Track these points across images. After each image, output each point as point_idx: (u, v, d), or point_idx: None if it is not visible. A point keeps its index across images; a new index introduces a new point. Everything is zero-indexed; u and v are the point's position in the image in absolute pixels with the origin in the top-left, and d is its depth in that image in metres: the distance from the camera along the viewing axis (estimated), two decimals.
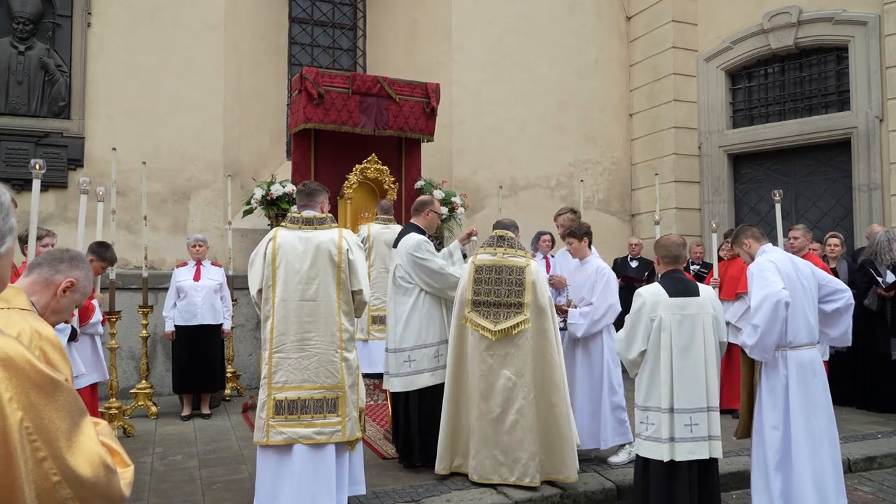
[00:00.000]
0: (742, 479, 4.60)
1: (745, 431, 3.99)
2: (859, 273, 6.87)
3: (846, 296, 3.97)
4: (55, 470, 1.37)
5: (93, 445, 1.44)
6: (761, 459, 3.82)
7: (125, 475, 1.53)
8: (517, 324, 4.36)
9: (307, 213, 4.02)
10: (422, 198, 5.22)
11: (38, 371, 1.41)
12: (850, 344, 4.16)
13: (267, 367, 3.86)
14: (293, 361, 3.83)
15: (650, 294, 3.76)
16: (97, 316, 5.14)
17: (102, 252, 5.25)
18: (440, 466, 4.48)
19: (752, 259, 4.02)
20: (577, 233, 5.15)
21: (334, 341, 3.87)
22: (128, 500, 1.56)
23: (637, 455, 3.80)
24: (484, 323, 4.38)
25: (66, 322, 4.44)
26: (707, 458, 3.68)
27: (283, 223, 4.07)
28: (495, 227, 4.72)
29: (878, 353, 6.71)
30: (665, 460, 3.59)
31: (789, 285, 3.76)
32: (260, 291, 3.93)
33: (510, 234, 4.63)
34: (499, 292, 4.42)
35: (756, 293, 3.75)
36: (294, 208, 7.35)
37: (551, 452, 4.33)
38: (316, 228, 3.96)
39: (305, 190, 4.13)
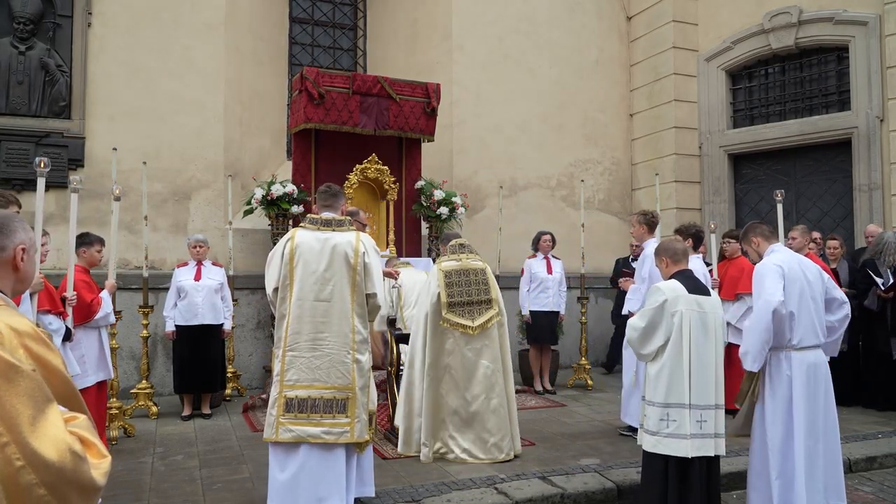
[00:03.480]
0: (742, 479, 4.60)
1: (746, 426, 3.97)
2: (860, 274, 6.88)
3: (846, 309, 4.01)
4: (18, 455, 1.36)
5: (58, 432, 1.42)
6: (763, 463, 3.80)
7: (101, 465, 1.52)
8: (490, 318, 5.05)
9: (326, 215, 4.06)
10: (348, 209, 5.38)
11: None
12: (835, 355, 4.18)
13: (280, 364, 3.89)
14: (305, 360, 3.86)
15: (670, 289, 3.72)
16: (105, 308, 5.11)
17: (88, 238, 5.28)
18: (426, 455, 4.95)
19: (760, 258, 4.01)
20: (684, 233, 5.32)
21: (347, 343, 3.89)
22: (107, 491, 1.54)
23: (651, 454, 3.70)
24: (463, 321, 4.98)
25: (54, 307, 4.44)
26: (713, 455, 3.67)
27: (301, 224, 4.10)
28: (447, 240, 5.41)
29: (880, 353, 6.72)
30: (689, 456, 3.57)
31: (795, 287, 3.75)
32: (276, 290, 3.96)
33: (467, 241, 5.38)
34: (469, 292, 5.03)
35: (754, 300, 3.81)
36: (295, 208, 7.41)
37: (511, 428, 5.08)
38: (334, 230, 3.99)
39: (330, 191, 4.16)
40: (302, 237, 3.95)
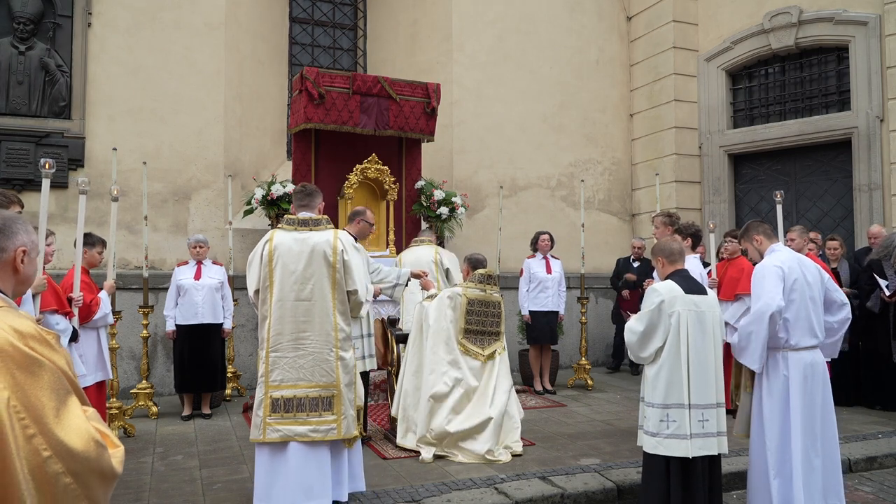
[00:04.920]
0: (742, 479, 4.60)
1: (747, 428, 3.99)
2: (864, 275, 6.85)
3: (846, 310, 4.01)
4: (45, 445, 1.40)
5: (81, 422, 1.47)
6: (762, 463, 3.81)
7: (117, 454, 1.56)
8: (496, 350, 5.40)
9: (303, 215, 4.08)
10: (355, 208, 5.50)
11: (20, 352, 1.43)
12: (835, 356, 4.20)
13: (264, 365, 3.92)
14: (289, 360, 3.89)
15: (667, 290, 3.72)
16: (104, 308, 5.12)
17: (91, 240, 5.29)
18: (426, 455, 5.02)
19: (761, 256, 4.02)
20: (683, 232, 5.42)
21: (329, 341, 3.92)
22: (120, 478, 1.58)
23: (652, 455, 3.69)
24: (475, 349, 5.31)
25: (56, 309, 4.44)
26: (715, 453, 3.68)
27: (279, 225, 4.12)
28: (475, 265, 5.61)
29: (881, 354, 6.71)
30: (690, 457, 3.57)
31: (795, 288, 3.77)
32: (257, 292, 3.99)
33: (492, 271, 5.63)
34: (484, 323, 5.38)
35: (752, 301, 3.83)
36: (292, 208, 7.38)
37: (507, 431, 5.26)
38: (311, 230, 4.01)
39: (305, 191, 4.18)
40: (280, 238, 3.97)
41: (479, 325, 5.34)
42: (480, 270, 5.54)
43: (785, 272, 3.77)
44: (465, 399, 5.17)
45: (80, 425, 1.45)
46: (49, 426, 1.40)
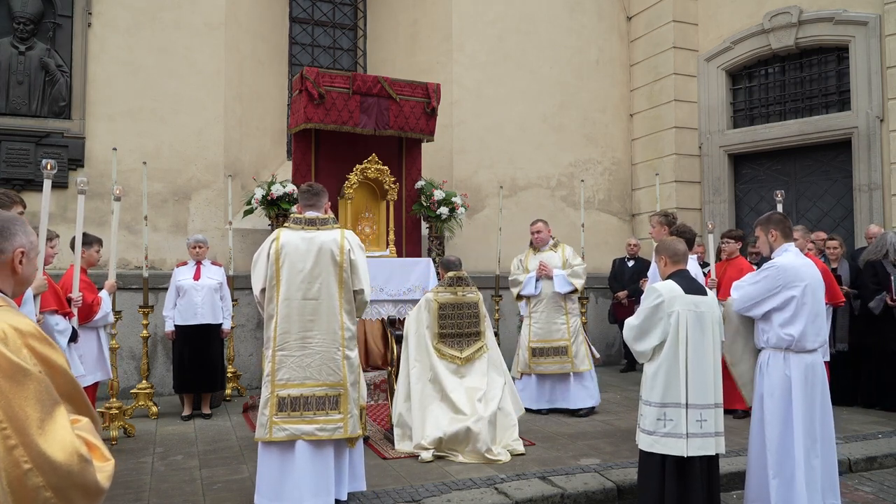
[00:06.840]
0: (742, 479, 4.60)
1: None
2: (868, 272, 6.84)
3: None
4: (26, 457, 1.35)
5: (66, 435, 1.42)
6: (761, 463, 3.82)
7: (105, 468, 1.52)
8: (478, 349, 5.39)
9: (310, 214, 4.10)
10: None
11: (6, 359, 1.40)
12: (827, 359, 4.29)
13: (270, 364, 3.92)
14: (296, 359, 3.90)
15: (667, 289, 3.73)
16: (105, 308, 5.13)
17: (87, 239, 5.31)
18: (426, 455, 4.99)
19: (771, 250, 4.03)
20: (676, 235, 5.44)
21: (336, 339, 3.93)
22: (107, 492, 1.53)
23: (648, 453, 3.71)
24: (452, 352, 5.32)
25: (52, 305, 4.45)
26: (713, 454, 3.69)
27: (286, 224, 4.14)
28: (447, 267, 5.62)
29: (884, 352, 6.70)
30: (686, 456, 3.58)
31: (807, 293, 3.81)
32: (263, 291, 4.00)
33: (465, 273, 5.60)
34: (460, 325, 5.39)
35: (747, 295, 3.92)
36: (294, 208, 7.41)
37: (503, 428, 5.22)
38: (318, 229, 4.03)
39: (312, 190, 4.20)
40: (287, 237, 3.99)
41: (454, 328, 5.36)
42: (450, 273, 5.55)
43: (786, 278, 3.80)
44: (449, 404, 5.15)
45: (64, 437, 1.40)
46: (32, 438, 1.36)
